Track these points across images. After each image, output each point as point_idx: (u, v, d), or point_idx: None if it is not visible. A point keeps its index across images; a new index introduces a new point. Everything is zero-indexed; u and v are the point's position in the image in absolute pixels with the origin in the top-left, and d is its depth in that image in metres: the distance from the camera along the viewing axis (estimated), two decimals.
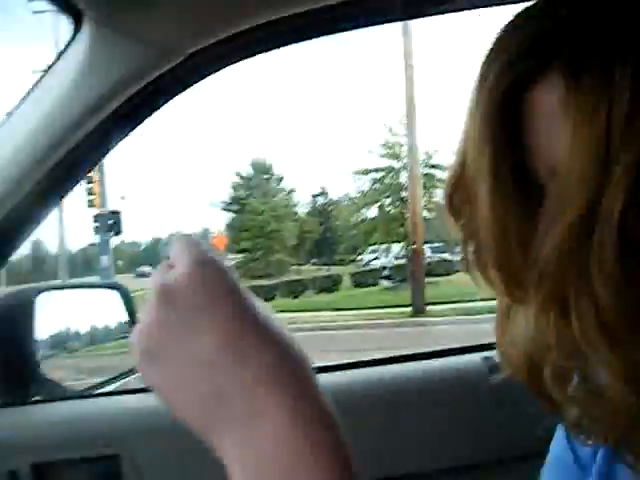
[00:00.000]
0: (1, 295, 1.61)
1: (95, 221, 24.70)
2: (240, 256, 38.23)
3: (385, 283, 26.34)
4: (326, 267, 39.30)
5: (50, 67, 1.31)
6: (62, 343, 1.76)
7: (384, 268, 28.16)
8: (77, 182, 1.43)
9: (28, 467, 1.42)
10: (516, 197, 0.64)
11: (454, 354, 1.58)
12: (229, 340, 0.52)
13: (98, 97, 1.27)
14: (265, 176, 43.05)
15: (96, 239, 24.63)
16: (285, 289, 26.72)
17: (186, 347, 0.53)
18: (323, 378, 1.48)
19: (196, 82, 1.39)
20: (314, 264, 42.89)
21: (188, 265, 0.55)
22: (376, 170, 26.96)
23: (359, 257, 36.99)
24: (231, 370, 0.52)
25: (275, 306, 21.98)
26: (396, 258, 28.35)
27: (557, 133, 0.60)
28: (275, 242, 38.03)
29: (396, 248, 28.98)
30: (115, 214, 24.60)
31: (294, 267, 39.53)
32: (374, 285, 26.46)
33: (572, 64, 0.59)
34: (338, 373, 1.57)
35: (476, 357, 1.50)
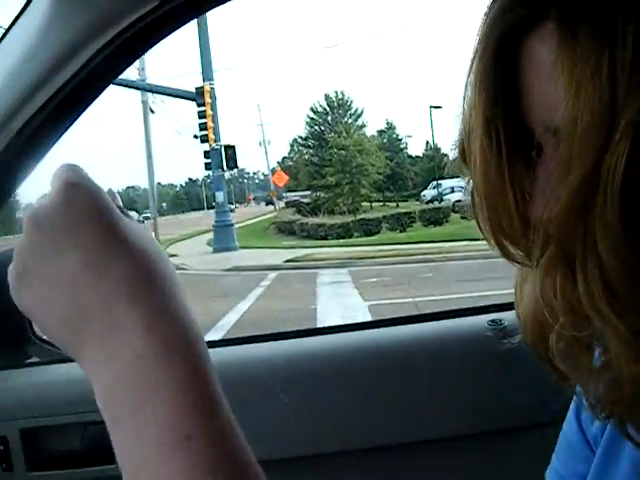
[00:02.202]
0: None
1: (207, 156, 25.00)
2: (322, 192, 38.10)
3: None
4: (394, 204, 38.78)
5: (15, 19, 1.24)
6: None
7: None
8: (54, 140, 1.36)
9: (17, 432, 1.41)
10: (510, 156, 0.61)
11: (460, 315, 1.50)
12: (91, 257, 0.52)
13: (68, 48, 1.19)
14: (341, 111, 42.48)
15: (211, 174, 24.68)
16: (391, 222, 26.65)
17: (53, 267, 0.53)
18: (322, 340, 1.46)
19: (171, 31, 1.30)
20: (387, 200, 42.32)
21: (57, 189, 0.55)
22: None
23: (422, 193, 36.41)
24: (91, 286, 0.52)
25: (382, 240, 22.06)
26: None
27: (552, 89, 0.57)
28: (361, 177, 37.69)
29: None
30: (230, 148, 24.80)
31: (375, 204, 39.17)
32: None
33: (568, 12, 0.56)
34: (341, 335, 1.52)
35: (483, 320, 1.42)
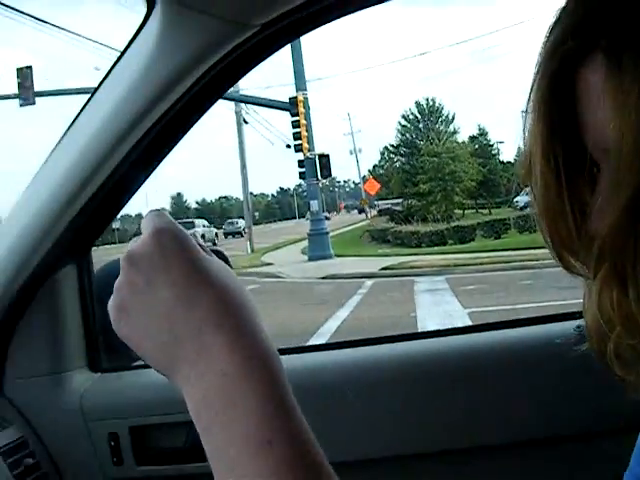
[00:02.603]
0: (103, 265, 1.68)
1: (301, 166, 25.38)
2: (414, 200, 38.07)
3: None
4: (486, 210, 38.44)
5: (125, 49, 1.35)
6: None
7: None
8: (160, 160, 1.47)
9: (127, 429, 1.49)
10: (568, 176, 0.65)
11: (548, 321, 1.52)
12: (181, 292, 0.61)
13: (174, 74, 1.29)
14: (432, 118, 42.39)
15: (303, 183, 25.14)
16: (485, 229, 26.31)
17: (148, 301, 0.62)
18: (414, 345, 1.48)
19: (271, 53, 1.39)
20: (480, 207, 41.89)
21: (149, 233, 0.64)
22: None
23: (515, 199, 35.91)
24: (183, 316, 0.61)
25: (478, 247, 21.91)
26: None
27: (604, 114, 0.60)
28: (454, 184, 37.43)
29: None
30: (324, 157, 25.15)
31: (467, 211, 38.92)
32: None
33: (614, 45, 0.60)
34: (431, 340, 1.56)
35: (570, 326, 1.42)
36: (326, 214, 67.78)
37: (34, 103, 24.67)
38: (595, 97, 0.62)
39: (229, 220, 53.69)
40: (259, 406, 0.58)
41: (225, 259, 1.78)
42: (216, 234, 41.49)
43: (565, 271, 0.71)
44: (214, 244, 36.35)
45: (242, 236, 41.30)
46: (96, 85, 1.39)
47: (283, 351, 1.60)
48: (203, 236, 36.26)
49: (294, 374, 1.47)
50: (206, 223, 43.42)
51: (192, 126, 1.45)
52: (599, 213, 0.63)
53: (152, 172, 1.48)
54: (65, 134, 1.41)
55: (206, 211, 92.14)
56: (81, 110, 1.40)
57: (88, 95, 1.41)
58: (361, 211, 53.81)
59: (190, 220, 42.51)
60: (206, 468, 1.45)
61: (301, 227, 37.94)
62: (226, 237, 44.50)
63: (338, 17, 1.37)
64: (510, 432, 1.42)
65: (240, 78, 1.45)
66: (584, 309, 0.74)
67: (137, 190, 1.50)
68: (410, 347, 1.54)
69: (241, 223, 46.39)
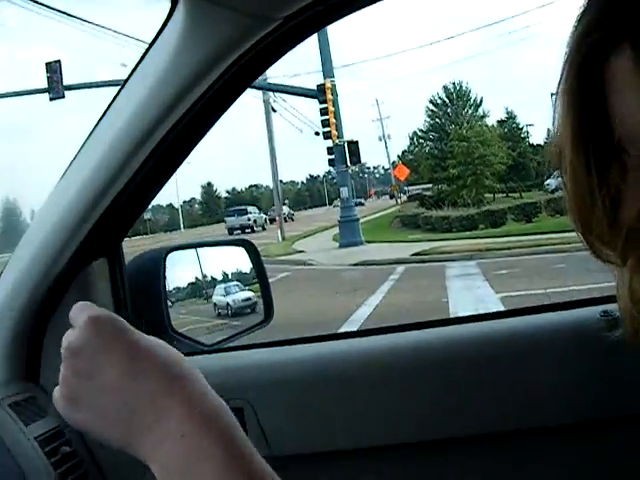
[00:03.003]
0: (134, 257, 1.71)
1: (330, 153, 25.35)
2: (444, 185, 37.84)
3: None
4: (517, 194, 38.11)
5: (151, 44, 1.36)
6: (196, 292, 1.87)
7: None
8: (187, 153, 1.49)
9: None
10: (598, 166, 0.65)
11: (573, 307, 1.51)
12: (127, 368, 0.68)
13: (199, 68, 1.31)
14: (461, 102, 42.04)
15: (332, 170, 25.14)
16: (516, 213, 26.11)
17: (98, 384, 0.68)
18: (445, 331, 1.50)
19: (294, 46, 1.40)
20: (510, 190, 41.49)
21: (84, 322, 0.71)
22: None
23: (546, 182, 35.53)
24: (135, 389, 0.67)
25: (509, 231, 21.74)
26: None
27: (633, 104, 0.61)
28: (484, 168, 37.13)
29: None
30: (353, 144, 25.10)
31: (498, 195, 38.60)
32: None
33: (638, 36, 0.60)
34: (450, 328, 1.57)
35: (595, 311, 1.42)
36: (361, 200, 68.01)
37: (64, 97, 24.91)
38: (623, 87, 0.62)
39: (273, 207, 51.50)
40: (219, 460, 0.64)
41: (254, 248, 1.81)
42: (265, 220, 43.65)
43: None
44: (263, 229, 39.46)
45: (286, 221, 41.34)
46: (123, 80, 1.41)
47: (296, 341, 1.63)
48: (255, 221, 40.20)
49: (303, 363, 1.50)
50: (257, 210, 44.52)
51: (218, 119, 1.47)
52: (629, 201, 0.64)
53: (179, 165, 1.50)
54: (94, 129, 1.43)
55: (236, 200, 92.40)
56: (109, 106, 1.42)
57: (116, 87, 1.43)
58: (392, 197, 53.68)
59: (244, 207, 44.06)
60: None
61: (331, 214, 37.93)
62: (271, 223, 42.09)
63: (360, 8, 1.37)
64: (535, 418, 1.43)
65: (264, 71, 1.46)
66: (617, 294, 0.75)
67: (165, 183, 1.52)
68: (428, 335, 1.55)
69: (286, 209, 49.17)
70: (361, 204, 59.28)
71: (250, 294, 1.87)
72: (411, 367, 1.47)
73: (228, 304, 1.91)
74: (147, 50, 1.37)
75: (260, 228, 39.45)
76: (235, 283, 1.93)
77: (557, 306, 1.53)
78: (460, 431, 1.45)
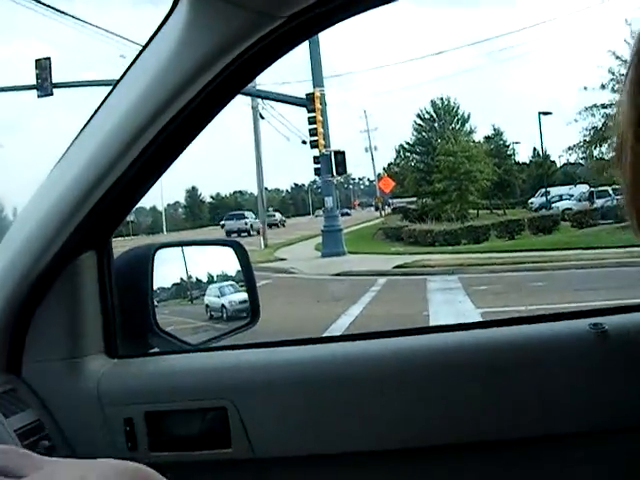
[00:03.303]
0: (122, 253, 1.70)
1: (317, 162, 25.33)
2: (429, 199, 37.99)
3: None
4: (500, 211, 38.45)
5: (151, 38, 1.36)
6: (181, 293, 1.85)
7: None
8: (181, 150, 1.48)
9: (142, 415, 1.51)
10: None
11: (562, 319, 1.51)
12: None
13: (199, 64, 1.31)
14: (448, 117, 42.25)
15: (318, 180, 25.20)
16: (499, 230, 26.22)
17: None
18: (426, 339, 1.49)
19: (296, 44, 1.40)
20: (494, 207, 41.75)
21: None
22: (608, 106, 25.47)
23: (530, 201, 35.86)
24: None
25: (491, 247, 21.83)
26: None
27: None
28: (469, 183, 37.27)
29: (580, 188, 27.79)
30: (340, 154, 25.10)
31: (482, 211, 38.81)
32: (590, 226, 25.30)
33: None
34: (435, 336, 1.57)
35: (584, 323, 1.42)
36: (347, 210, 68.83)
37: (52, 94, 24.77)
38: None
39: (267, 213, 52.02)
40: None
41: (242, 249, 1.80)
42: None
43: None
44: (258, 233, 37.91)
45: (278, 227, 47.24)
46: (112, 79, 1.40)
47: (283, 343, 1.63)
48: (252, 226, 41.61)
49: (288, 366, 1.50)
50: (253, 215, 44.75)
51: (214, 117, 1.46)
52: None
53: (172, 162, 1.49)
54: (88, 123, 1.42)
55: (220, 205, 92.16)
56: (104, 100, 1.41)
57: (105, 87, 1.42)
58: (377, 208, 53.77)
59: (241, 212, 47.10)
60: (219, 455, 1.49)
61: (313, 224, 38.22)
62: (238, 235, 42.44)
63: (363, 11, 1.37)
64: (519, 428, 1.43)
65: (265, 69, 1.44)
66: None
67: (157, 180, 1.51)
68: (421, 341, 1.55)
69: (278, 216, 54.10)
70: (347, 214, 60.74)
71: (247, 295, 1.84)
72: (396, 373, 1.46)
73: (224, 306, 1.88)
74: (147, 44, 1.37)
75: (255, 232, 39.80)
76: (230, 283, 1.90)
77: (547, 317, 1.53)
78: (446, 439, 1.44)
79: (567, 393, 1.40)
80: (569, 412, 1.40)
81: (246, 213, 46.24)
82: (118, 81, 1.40)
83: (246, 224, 42.56)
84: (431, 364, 1.46)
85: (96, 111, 1.42)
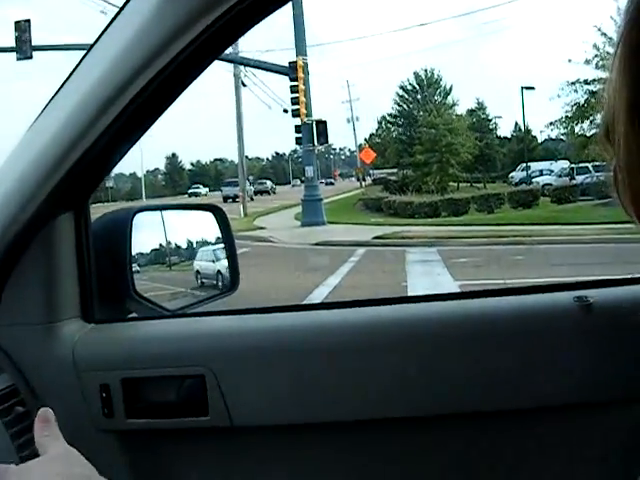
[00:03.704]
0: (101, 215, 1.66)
1: (298, 131, 25.26)
2: (410, 171, 38.10)
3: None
4: (480, 184, 38.71)
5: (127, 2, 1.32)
6: (159, 259, 1.82)
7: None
8: (160, 112, 1.45)
9: (119, 382, 1.48)
10: None
11: (546, 291, 1.50)
12: None
13: (177, 27, 1.26)
14: (431, 89, 42.20)
15: (299, 149, 25.22)
16: (479, 203, 26.31)
17: None
18: (402, 309, 1.48)
19: (276, 8, 1.34)
20: (474, 181, 41.96)
21: None
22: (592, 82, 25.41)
23: (510, 175, 36.11)
24: None
25: (471, 220, 21.97)
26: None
27: None
28: (450, 156, 37.34)
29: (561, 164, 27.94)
30: (321, 124, 25.05)
31: (462, 184, 38.98)
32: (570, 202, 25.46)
33: None
34: (423, 305, 1.55)
35: (569, 296, 1.41)
36: (332, 180, 70.51)
37: (31, 57, 24.44)
38: None
39: (259, 180, 61.49)
40: None
41: (223, 214, 1.78)
42: (255, 192, 50.29)
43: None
44: (252, 199, 44.20)
45: (269, 194, 51.35)
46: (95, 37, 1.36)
47: (262, 310, 1.61)
48: (247, 192, 41.51)
49: (268, 333, 1.48)
50: (248, 182, 47.64)
51: (193, 80, 1.42)
52: None
53: (151, 125, 1.46)
54: (65, 82, 1.38)
55: (201, 172, 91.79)
56: (81, 60, 1.37)
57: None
58: (359, 179, 53.89)
59: (235, 180, 47.59)
60: (197, 423, 1.48)
61: (292, 194, 38.70)
62: (255, 195, 49.12)
63: None
64: (501, 400, 1.42)
65: (244, 33, 1.40)
66: None
67: (136, 142, 1.47)
68: (403, 310, 1.53)
69: (269, 184, 58.38)
70: (332, 184, 64.81)
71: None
72: (376, 342, 1.45)
73: (220, 272, 1.82)
74: (123, 7, 1.32)
75: (249, 198, 43.26)
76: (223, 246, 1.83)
77: (532, 289, 1.52)
78: (428, 410, 1.43)
79: (550, 365, 1.40)
80: (552, 384, 1.39)
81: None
82: (95, 42, 1.36)
83: (240, 190, 44.06)
84: (413, 334, 1.44)
85: (73, 71, 1.38)
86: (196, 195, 50.24)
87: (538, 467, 1.45)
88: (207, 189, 61.02)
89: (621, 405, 1.36)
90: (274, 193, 56.22)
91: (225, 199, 43.29)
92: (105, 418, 1.48)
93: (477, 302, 1.52)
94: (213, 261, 1.82)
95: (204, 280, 1.86)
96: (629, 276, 1.44)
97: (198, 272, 1.87)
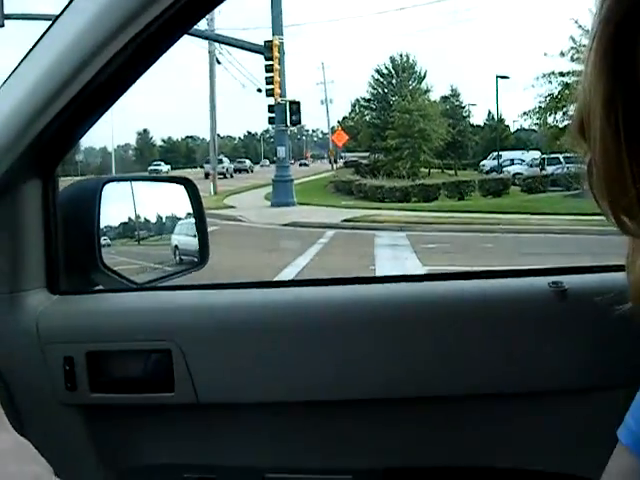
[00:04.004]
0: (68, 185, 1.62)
1: (271, 111, 25.15)
2: (382, 155, 38.21)
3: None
4: (452, 171, 39.02)
5: None
6: (128, 232, 1.78)
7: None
8: (131, 81, 1.41)
9: (83, 355, 1.45)
10: (630, 134, 0.62)
11: (521, 275, 1.49)
12: None
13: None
14: (406, 74, 42.25)
15: (271, 129, 25.27)
16: (450, 190, 26.40)
17: None
18: (380, 288, 1.46)
19: None
20: (446, 167, 42.21)
21: None
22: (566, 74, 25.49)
23: (481, 163, 36.38)
24: None
25: (441, 206, 22.06)
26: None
27: None
28: (423, 142, 37.44)
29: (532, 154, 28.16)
30: (295, 104, 24.96)
31: (433, 170, 39.17)
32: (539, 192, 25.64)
33: None
34: (394, 285, 1.52)
35: (544, 281, 1.40)
36: (305, 161, 72.67)
37: (3, 25, 24.01)
38: None
39: (238, 159, 64.81)
40: None
41: (194, 187, 1.74)
42: (235, 169, 54.29)
43: (619, 231, 0.68)
44: (232, 176, 49.03)
45: (248, 173, 54.66)
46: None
47: (231, 285, 1.59)
48: (227, 170, 50.19)
49: (236, 309, 1.46)
50: (228, 160, 55.52)
51: (161, 54, 1.38)
52: None
53: (121, 94, 1.42)
54: (34, 47, 1.34)
55: (171, 149, 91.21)
56: (49, 27, 1.33)
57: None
58: (331, 161, 53.99)
59: (220, 158, 51.12)
60: (162, 399, 1.45)
61: (262, 174, 39.09)
62: (235, 172, 52.99)
63: None
64: (473, 384, 1.40)
65: (214, 7, 1.38)
66: (628, 265, 0.74)
67: (107, 109, 1.43)
68: (375, 290, 1.51)
69: (248, 163, 61.56)
70: (306, 165, 68.55)
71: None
72: (343, 321, 1.43)
73: None
74: None
75: (229, 175, 49.59)
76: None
77: (507, 273, 1.51)
78: (397, 392, 1.42)
79: (524, 350, 1.39)
80: (525, 369, 1.39)
81: (223, 158, 53.48)
82: (64, 9, 1.32)
83: (223, 168, 49.07)
84: (384, 316, 1.42)
85: (42, 37, 1.33)
86: (156, 172, 50.51)
87: (506, 453, 1.44)
88: (169, 166, 61.76)
89: (597, 391, 1.35)
90: (252, 172, 58.70)
91: (207, 175, 43.71)
92: (68, 392, 1.45)
93: (449, 284, 1.51)
94: (195, 236, 1.77)
95: (183, 257, 1.81)
96: (603, 264, 1.43)
97: (177, 247, 1.82)
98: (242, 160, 63.85)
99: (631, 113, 0.62)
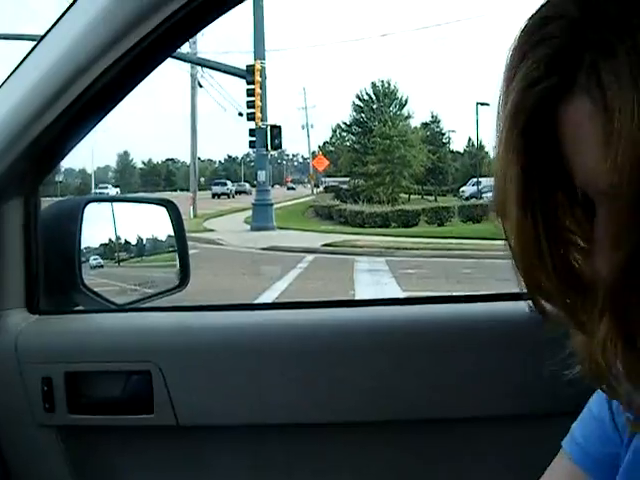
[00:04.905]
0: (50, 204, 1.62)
1: (252, 135, 25.18)
2: (362, 180, 38.39)
3: None
4: (431, 197, 39.26)
5: None
6: (109, 253, 1.78)
7: None
8: (116, 101, 1.41)
9: (62, 375, 1.44)
10: (548, 222, 0.60)
11: (501, 299, 1.49)
12: None
13: (133, 18, 1.23)
14: (387, 100, 42.58)
15: (252, 153, 25.37)
16: (430, 216, 26.50)
17: None
18: (371, 312, 1.47)
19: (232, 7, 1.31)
20: (426, 193, 42.52)
21: None
22: None
23: (461, 189, 36.59)
24: None
25: (421, 232, 22.13)
26: None
27: (596, 154, 0.53)
28: (403, 168, 37.67)
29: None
30: (276, 128, 25.02)
31: (413, 196, 39.40)
32: None
33: (593, 77, 0.53)
34: (374, 309, 1.54)
35: (523, 305, 1.39)
36: (292, 185, 76.16)
37: None
38: (582, 135, 0.55)
39: (239, 183, 71.16)
40: None
41: (176, 209, 1.74)
42: (237, 192, 59.97)
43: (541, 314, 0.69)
44: (233, 197, 54.13)
45: (228, 198, 55.35)
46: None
47: (212, 308, 1.58)
48: (231, 191, 58.09)
49: (217, 331, 1.45)
50: (230, 183, 63.14)
51: (145, 76, 1.39)
52: (599, 259, 0.58)
53: (104, 115, 1.42)
54: (20, 64, 1.34)
55: (152, 172, 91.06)
56: (34, 47, 1.34)
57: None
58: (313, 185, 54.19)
59: (224, 180, 62.94)
60: (141, 421, 1.44)
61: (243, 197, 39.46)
62: (237, 194, 58.83)
63: None
64: (450, 407, 1.40)
65: (203, 27, 1.37)
66: (575, 347, 0.73)
67: (90, 130, 1.43)
68: (352, 314, 1.51)
69: (247, 186, 64.85)
70: (293, 189, 73.14)
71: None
72: (326, 344, 1.42)
73: None
74: None
75: (232, 196, 55.49)
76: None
77: (486, 297, 1.51)
78: (374, 415, 1.41)
79: (502, 374, 1.38)
80: (504, 393, 1.39)
81: (227, 181, 63.77)
82: (49, 30, 1.32)
83: (227, 189, 58.23)
84: (362, 339, 1.42)
85: (26, 57, 1.34)
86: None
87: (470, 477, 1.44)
88: (117, 189, 64.47)
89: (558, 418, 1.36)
90: (251, 194, 60.97)
91: (214, 196, 52.87)
92: (46, 413, 1.43)
93: (427, 308, 1.51)
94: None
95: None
96: None
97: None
98: (242, 184, 70.00)
99: (549, 201, 0.60)
